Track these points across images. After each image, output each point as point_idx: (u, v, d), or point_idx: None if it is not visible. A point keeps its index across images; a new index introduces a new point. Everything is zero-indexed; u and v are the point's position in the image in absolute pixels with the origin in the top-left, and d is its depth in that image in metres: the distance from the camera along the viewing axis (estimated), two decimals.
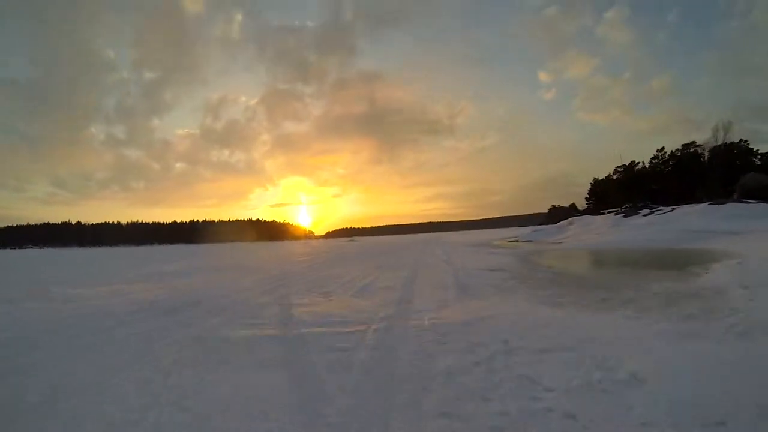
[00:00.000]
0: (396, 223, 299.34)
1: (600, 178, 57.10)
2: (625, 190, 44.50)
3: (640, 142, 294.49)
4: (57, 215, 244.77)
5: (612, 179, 50.56)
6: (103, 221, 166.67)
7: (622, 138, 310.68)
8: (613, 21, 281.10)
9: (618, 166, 57.19)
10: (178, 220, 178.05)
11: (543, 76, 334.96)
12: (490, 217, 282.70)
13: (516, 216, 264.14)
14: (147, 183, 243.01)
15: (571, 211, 65.95)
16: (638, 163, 53.27)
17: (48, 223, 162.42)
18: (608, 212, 39.05)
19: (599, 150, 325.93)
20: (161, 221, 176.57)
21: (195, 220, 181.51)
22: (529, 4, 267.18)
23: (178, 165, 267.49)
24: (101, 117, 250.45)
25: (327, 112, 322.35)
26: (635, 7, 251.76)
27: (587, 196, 58.31)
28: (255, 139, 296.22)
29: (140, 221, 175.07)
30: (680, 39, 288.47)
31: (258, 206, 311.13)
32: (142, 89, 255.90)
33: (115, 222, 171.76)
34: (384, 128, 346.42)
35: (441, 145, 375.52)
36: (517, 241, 32.86)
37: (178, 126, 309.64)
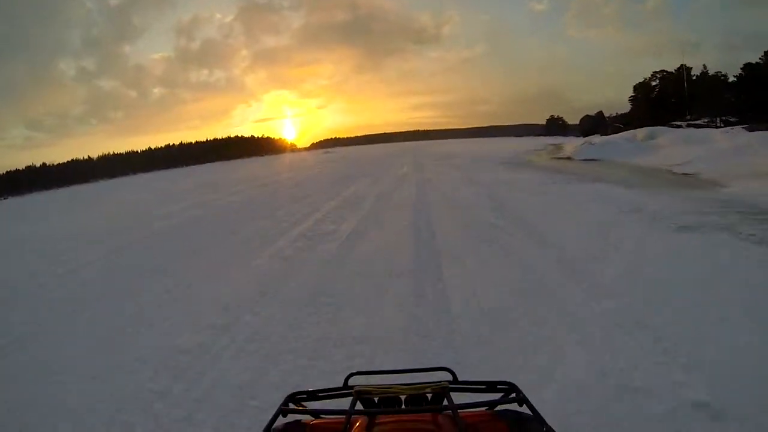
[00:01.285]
0: (383, 132, 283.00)
1: (649, 81, 43.48)
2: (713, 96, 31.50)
3: (633, 62, 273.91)
4: (36, 159, 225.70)
5: (699, 80, 36.87)
6: (71, 159, 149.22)
7: (613, 56, 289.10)
8: None
9: (656, 72, 43.53)
10: (153, 146, 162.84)
11: None
12: (480, 126, 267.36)
13: (506, 126, 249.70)
14: (126, 112, 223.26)
15: (600, 120, 52.96)
16: (690, 67, 39.89)
17: (12, 171, 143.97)
18: (688, 124, 26.96)
19: (592, 66, 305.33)
20: (136, 150, 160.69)
21: (171, 144, 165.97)
22: None
23: (156, 90, 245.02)
24: (69, 51, 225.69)
25: (307, 22, 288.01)
26: None
27: (632, 101, 44.90)
28: (234, 56, 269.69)
29: (112, 153, 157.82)
30: None
31: (242, 123, 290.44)
32: (107, 17, 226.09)
33: (85, 158, 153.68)
34: (367, 37, 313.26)
35: (427, 54, 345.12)
36: (569, 158, 20.75)
37: (152, 51, 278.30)
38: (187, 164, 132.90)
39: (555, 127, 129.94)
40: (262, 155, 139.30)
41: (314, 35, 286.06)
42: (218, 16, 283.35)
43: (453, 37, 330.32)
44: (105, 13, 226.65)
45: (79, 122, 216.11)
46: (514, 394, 0.72)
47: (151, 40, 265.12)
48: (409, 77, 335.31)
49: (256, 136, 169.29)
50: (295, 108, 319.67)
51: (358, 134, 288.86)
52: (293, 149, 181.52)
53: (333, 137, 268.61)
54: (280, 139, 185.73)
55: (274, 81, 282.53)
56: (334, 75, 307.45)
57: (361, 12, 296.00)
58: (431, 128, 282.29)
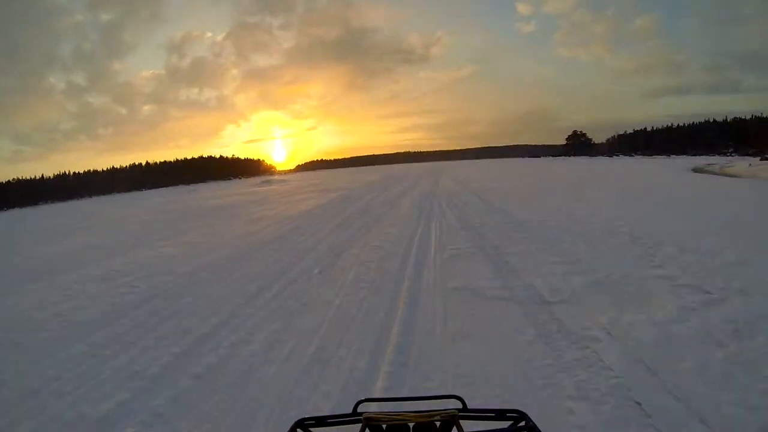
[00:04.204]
0: (373, 154, 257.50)
1: None
2: None
3: (622, 82, 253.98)
4: (24, 173, 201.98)
5: None
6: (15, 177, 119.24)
7: (603, 76, 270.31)
8: None
9: None
10: (117, 166, 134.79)
11: (522, 8, 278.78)
12: (472, 147, 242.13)
13: (502, 146, 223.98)
14: (115, 129, 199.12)
15: None
16: None
17: None
18: None
19: (580, 86, 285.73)
20: (97, 169, 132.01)
21: (137, 163, 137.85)
22: None
23: (146, 108, 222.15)
24: (59, 65, 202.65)
25: (297, 43, 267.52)
26: None
27: None
28: (224, 74, 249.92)
29: (68, 172, 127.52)
30: None
31: (230, 144, 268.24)
32: (99, 32, 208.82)
33: (37, 177, 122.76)
34: (357, 58, 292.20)
35: (416, 75, 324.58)
36: None
37: (142, 68, 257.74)
38: (154, 186, 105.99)
39: (578, 145, 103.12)
40: (235, 178, 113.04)
41: (304, 56, 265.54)
42: (209, 34, 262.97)
43: (442, 57, 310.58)
44: (96, 27, 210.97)
45: (67, 137, 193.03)
46: (523, 423, 0.65)
47: (142, 56, 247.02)
48: (398, 98, 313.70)
49: (226, 156, 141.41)
50: (286, 129, 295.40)
51: (348, 156, 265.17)
52: (272, 172, 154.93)
53: (319, 159, 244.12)
54: (259, 160, 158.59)
55: (264, 101, 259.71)
56: (324, 96, 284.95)
57: (350, 33, 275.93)
58: (423, 150, 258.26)
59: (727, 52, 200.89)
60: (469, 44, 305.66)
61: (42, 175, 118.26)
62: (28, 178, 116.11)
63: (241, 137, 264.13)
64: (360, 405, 0.71)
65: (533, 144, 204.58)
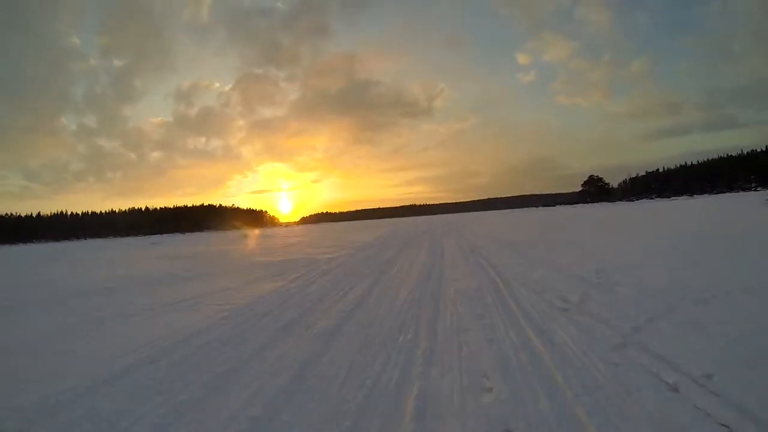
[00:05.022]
0: (377, 207, 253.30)
1: None
2: None
3: (622, 126, 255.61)
4: (32, 209, 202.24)
5: None
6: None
7: (603, 121, 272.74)
8: (592, 2, 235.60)
9: None
10: (116, 209, 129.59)
11: (522, 59, 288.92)
12: (476, 199, 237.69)
13: (507, 197, 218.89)
14: (123, 173, 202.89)
15: None
16: None
17: None
18: None
19: (580, 133, 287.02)
20: (94, 211, 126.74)
21: (135, 208, 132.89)
22: None
23: (155, 154, 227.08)
24: (71, 107, 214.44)
25: (302, 95, 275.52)
26: None
27: None
28: (230, 125, 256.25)
29: (65, 212, 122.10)
30: (659, 22, 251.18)
31: (237, 194, 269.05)
32: (111, 77, 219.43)
33: (34, 214, 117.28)
34: (361, 111, 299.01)
35: (419, 128, 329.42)
36: None
37: (151, 114, 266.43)
38: (149, 232, 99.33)
39: (596, 190, 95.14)
40: (234, 228, 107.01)
41: (309, 109, 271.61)
42: (216, 84, 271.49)
43: (444, 110, 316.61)
44: (108, 72, 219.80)
45: (76, 178, 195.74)
46: None
47: (151, 103, 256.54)
48: (402, 151, 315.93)
49: (225, 206, 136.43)
50: (291, 181, 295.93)
51: (352, 209, 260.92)
52: (275, 224, 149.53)
53: (324, 212, 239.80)
54: (261, 211, 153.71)
55: (269, 153, 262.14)
56: (329, 148, 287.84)
57: (354, 87, 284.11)
58: (427, 203, 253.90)
59: (721, 89, 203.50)
60: (470, 96, 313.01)
61: (39, 213, 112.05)
62: (24, 215, 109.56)
63: (247, 188, 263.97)
64: None
65: (540, 193, 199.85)
